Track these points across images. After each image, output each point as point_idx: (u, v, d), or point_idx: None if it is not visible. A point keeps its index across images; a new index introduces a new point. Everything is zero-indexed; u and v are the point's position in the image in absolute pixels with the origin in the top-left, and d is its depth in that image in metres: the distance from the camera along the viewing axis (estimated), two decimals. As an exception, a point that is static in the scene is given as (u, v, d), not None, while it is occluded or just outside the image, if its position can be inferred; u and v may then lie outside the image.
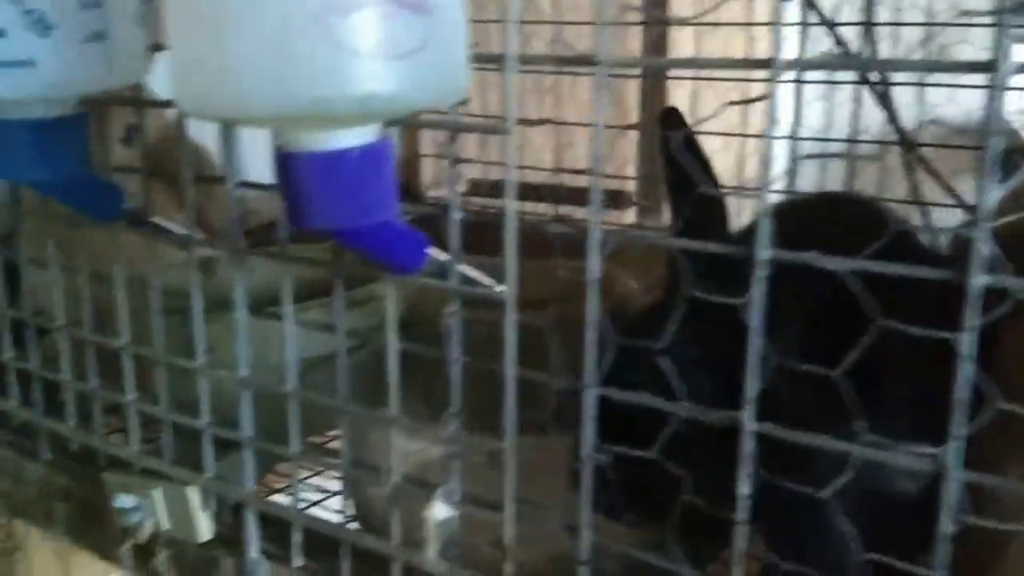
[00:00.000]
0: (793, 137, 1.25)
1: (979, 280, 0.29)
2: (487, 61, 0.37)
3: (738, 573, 0.37)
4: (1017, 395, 0.29)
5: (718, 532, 0.42)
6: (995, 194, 0.30)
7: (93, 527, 0.63)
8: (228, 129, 0.47)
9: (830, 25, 1.18)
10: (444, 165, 1.51)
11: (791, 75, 1.31)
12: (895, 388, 0.38)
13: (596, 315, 0.39)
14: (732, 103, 0.36)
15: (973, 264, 0.29)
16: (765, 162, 0.33)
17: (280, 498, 0.64)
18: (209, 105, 0.33)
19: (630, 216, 1.53)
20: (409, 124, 0.39)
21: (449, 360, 0.42)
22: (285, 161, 0.35)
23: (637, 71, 1.51)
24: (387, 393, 0.53)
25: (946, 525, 0.31)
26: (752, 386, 0.35)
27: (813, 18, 1.16)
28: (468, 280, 0.42)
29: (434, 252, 0.41)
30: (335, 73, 0.31)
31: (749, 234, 0.34)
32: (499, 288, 0.40)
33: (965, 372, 0.29)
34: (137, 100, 0.51)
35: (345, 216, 0.35)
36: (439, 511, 0.42)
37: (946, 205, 1.12)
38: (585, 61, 0.36)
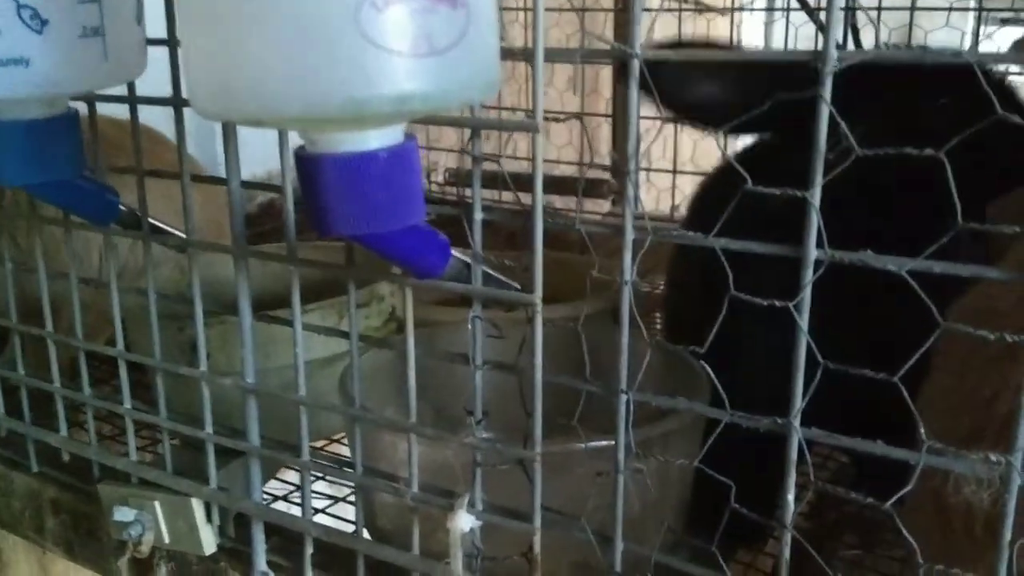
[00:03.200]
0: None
1: (1044, 281, 0.28)
2: (514, 56, 0.36)
3: (783, 581, 0.36)
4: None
5: (736, 531, 0.41)
6: None
7: (87, 540, 0.60)
8: (229, 125, 0.44)
9: (811, 12, 1.17)
10: (430, 154, 1.49)
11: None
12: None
13: (628, 317, 0.37)
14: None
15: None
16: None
17: (282, 506, 0.62)
18: (230, 106, 0.31)
19: (607, 205, 1.53)
20: (432, 121, 0.38)
21: (472, 364, 0.41)
22: (310, 164, 0.33)
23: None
24: (398, 395, 0.51)
25: (1007, 532, 0.30)
26: (798, 394, 0.34)
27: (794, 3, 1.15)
28: (492, 281, 0.40)
29: (457, 254, 0.39)
30: (369, 72, 0.29)
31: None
32: (527, 294, 0.38)
33: (1031, 375, 0.29)
34: (132, 98, 0.48)
35: (372, 222, 0.33)
36: (463, 521, 0.41)
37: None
38: (616, 55, 0.35)
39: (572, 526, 0.41)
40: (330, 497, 0.65)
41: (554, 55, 0.36)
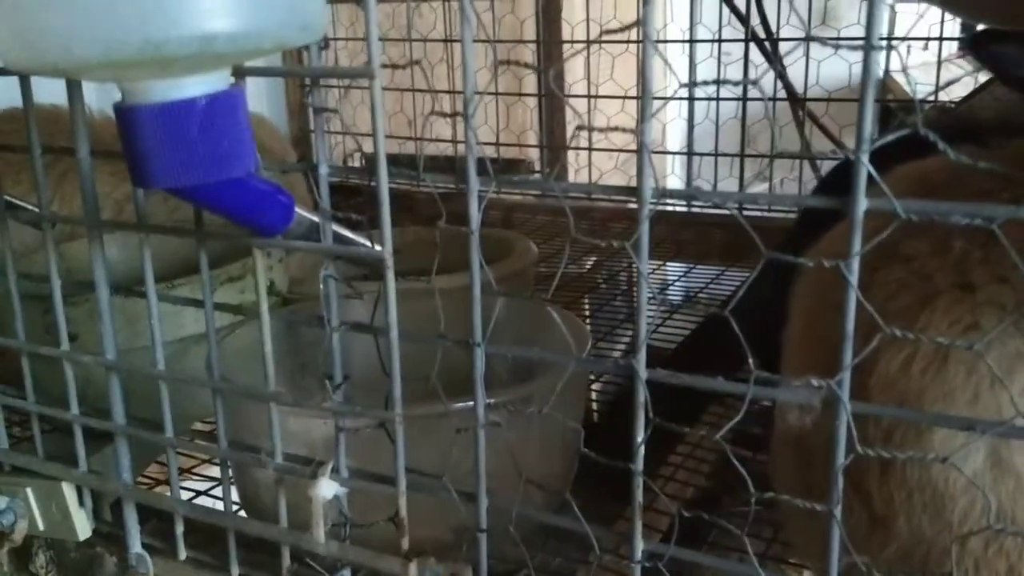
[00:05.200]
0: (690, 98, 1.25)
1: (862, 204, 0.28)
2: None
3: (637, 527, 0.35)
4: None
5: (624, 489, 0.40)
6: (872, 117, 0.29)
7: (-38, 534, 0.58)
8: (75, 89, 0.43)
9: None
10: (337, 140, 1.47)
11: (683, 35, 1.31)
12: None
13: (478, 268, 0.37)
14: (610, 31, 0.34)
15: (856, 189, 0.28)
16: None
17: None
18: (30, 55, 0.30)
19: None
20: (266, 73, 0.36)
21: (327, 327, 0.40)
22: (125, 115, 0.32)
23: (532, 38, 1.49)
24: (288, 370, 0.50)
25: (839, 457, 0.30)
26: (642, 330, 0.33)
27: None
28: (343, 240, 0.39)
29: (303, 212, 0.38)
30: (169, 10, 0.28)
31: None
32: (376, 248, 0.37)
33: (851, 301, 0.28)
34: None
35: (193, 173, 0.32)
36: (325, 489, 0.40)
37: (836, 158, 1.14)
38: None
39: (438, 487, 0.40)
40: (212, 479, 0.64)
41: (387, -1, 0.35)
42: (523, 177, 0.35)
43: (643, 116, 0.32)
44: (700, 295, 1.04)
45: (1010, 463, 0.36)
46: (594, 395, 0.87)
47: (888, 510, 0.39)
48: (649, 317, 0.98)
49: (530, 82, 1.47)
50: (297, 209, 0.38)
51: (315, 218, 0.39)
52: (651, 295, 1.02)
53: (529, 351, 0.37)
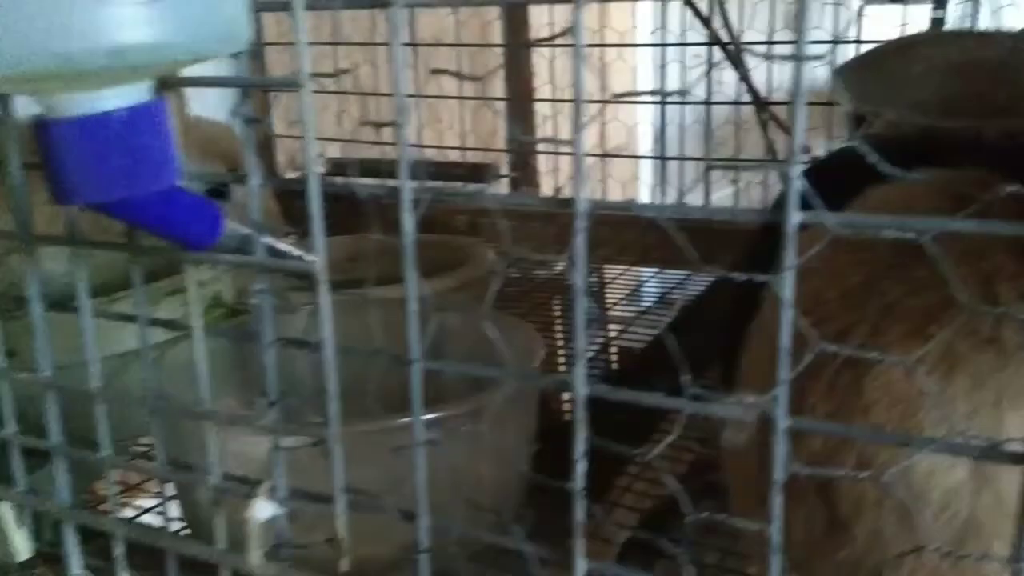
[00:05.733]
0: (662, 102, 1.25)
1: (795, 218, 0.28)
2: (273, 8, 0.34)
3: (579, 546, 0.34)
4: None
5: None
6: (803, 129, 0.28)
7: (-101, 557, 0.56)
8: (2, 99, 0.41)
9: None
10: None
11: (652, 39, 1.30)
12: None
13: (414, 281, 0.36)
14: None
15: (789, 202, 0.28)
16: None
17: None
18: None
19: (501, 189, 1.51)
20: (192, 84, 0.35)
21: (260, 343, 0.39)
22: (42, 130, 0.31)
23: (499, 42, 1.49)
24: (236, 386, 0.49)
25: (778, 473, 0.29)
26: (581, 345, 0.32)
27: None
28: (275, 253, 0.38)
29: (233, 225, 0.37)
30: (80, 22, 0.27)
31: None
32: (309, 258, 0.36)
33: (786, 316, 0.28)
34: None
35: (114, 186, 0.31)
36: (260, 510, 0.39)
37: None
38: (380, 3, 0.33)
39: (378, 506, 0.39)
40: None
41: (316, 3, 0.34)
42: (454, 189, 0.34)
43: (576, 126, 0.31)
44: (669, 298, 1.04)
45: (995, 477, 0.35)
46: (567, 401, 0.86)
47: (855, 509, 0.39)
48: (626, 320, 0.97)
49: (497, 87, 1.47)
50: (228, 222, 0.37)
51: (247, 231, 0.38)
52: (608, 306, 1.02)
53: (469, 366, 0.36)
